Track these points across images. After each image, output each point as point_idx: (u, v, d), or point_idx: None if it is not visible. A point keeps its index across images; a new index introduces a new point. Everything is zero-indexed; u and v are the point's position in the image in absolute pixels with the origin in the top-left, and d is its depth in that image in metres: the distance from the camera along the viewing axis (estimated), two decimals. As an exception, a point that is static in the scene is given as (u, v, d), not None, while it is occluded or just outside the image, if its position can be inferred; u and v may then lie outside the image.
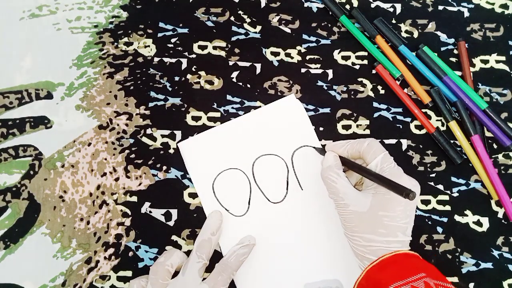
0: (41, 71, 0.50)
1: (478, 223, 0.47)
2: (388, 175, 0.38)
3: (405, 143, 0.49)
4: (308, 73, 0.51)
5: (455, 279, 0.46)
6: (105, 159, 0.48)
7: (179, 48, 0.51)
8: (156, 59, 0.51)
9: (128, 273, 0.46)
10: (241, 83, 0.50)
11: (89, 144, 0.48)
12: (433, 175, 0.48)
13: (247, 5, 0.52)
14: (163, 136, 0.49)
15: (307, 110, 0.49)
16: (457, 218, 0.47)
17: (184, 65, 0.51)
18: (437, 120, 0.50)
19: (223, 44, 0.51)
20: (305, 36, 0.52)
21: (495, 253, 0.46)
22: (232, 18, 0.52)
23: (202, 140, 0.48)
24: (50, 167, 0.48)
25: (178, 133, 0.49)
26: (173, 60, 0.51)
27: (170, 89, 0.50)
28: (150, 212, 0.47)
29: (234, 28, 0.52)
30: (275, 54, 0.51)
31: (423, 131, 0.49)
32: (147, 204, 0.47)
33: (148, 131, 0.49)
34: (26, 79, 0.50)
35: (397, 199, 0.37)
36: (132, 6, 0.52)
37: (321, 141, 0.48)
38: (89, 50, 0.51)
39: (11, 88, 0.50)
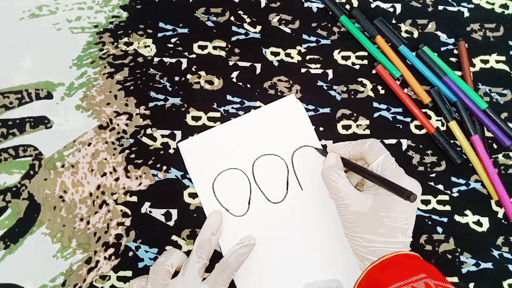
0: (41, 71, 0.50)
1: (478, 223, 0.47)
2: (390, 176, 0.38)
3: (405, 143, 0.49)
4: (308, 73, 0.51)
5: (455, 279, 0.46)
6: (105, 159, 0.48)
7: (179, 48, 0.51)
8: (156, 59, 0.51)
9: (128, 273, 0.46)
10: (241, 83, 0.50)
11: (89, 144, 0.48)
12: (433, 175, 0.48)
13: (247, 5, 0.52)
14: (163, 136, 0.49)
15: (307, 110, 0.49)
16: (457, 218, 0.47)
17: (184, 65, 0.51)
18: (437, 120, 0.50)
19: (223, 44, 0.51)
20: (305, 36, 0.52)
21: (495, 253, 0.46)
22: (232, 18, 0.52)
23: (202, 140, 0.48)
24: (50, 167, 0.48)
25: (178, 133, 0.49)
26: (173, 60, 0.51)
27: (170, 89, 0.50)
28: (150, 212, 0.47)
29: (234, 28, 0.52)
30: (275, 54, 0.51)
31: (423, 131, 0.49)
32: (147, 204, 0.47)
33: (148, 131, 0.49)
34: (26, 79, 0.50)
35: (398, 200, 0.37)
36: (132, 6, 0.52)
37: (321, 141, 0.48)
38: (89, 50, 0.51)
39: (11, 88, 0.50)
